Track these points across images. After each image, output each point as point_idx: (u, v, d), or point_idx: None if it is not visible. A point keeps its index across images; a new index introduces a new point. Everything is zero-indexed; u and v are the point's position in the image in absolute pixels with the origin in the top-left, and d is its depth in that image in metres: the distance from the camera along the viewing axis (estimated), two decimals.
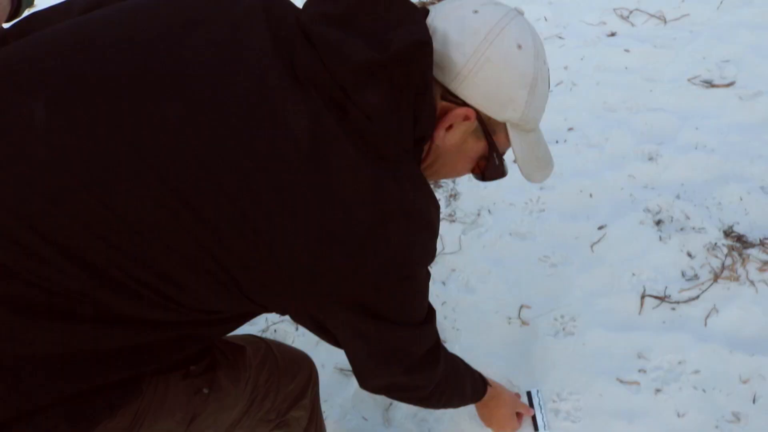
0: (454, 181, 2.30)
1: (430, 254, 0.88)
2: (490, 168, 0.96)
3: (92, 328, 0.76)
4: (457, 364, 1.24)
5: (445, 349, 1.13)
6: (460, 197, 2.24)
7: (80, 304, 0.74)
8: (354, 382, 1.78)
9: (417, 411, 1.69)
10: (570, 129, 2.42)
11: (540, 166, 0.99)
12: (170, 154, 0.71)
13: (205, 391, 0.97)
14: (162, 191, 0.71)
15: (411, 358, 0.98)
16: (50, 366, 0.76)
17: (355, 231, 0.75)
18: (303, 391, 1.19)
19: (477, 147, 0.93)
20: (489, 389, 1.39)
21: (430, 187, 0.86)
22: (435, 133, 0.87)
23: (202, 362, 0.97)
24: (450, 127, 0.87)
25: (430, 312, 1.00)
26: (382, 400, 1.75)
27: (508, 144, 0.93)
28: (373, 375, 1.00)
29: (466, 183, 2.27)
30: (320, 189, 0.73)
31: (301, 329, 1.94)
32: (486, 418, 1.54)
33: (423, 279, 0.91)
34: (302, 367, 1.20)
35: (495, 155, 0.94)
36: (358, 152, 0.75)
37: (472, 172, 1.00)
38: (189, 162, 0.71)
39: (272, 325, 1.94)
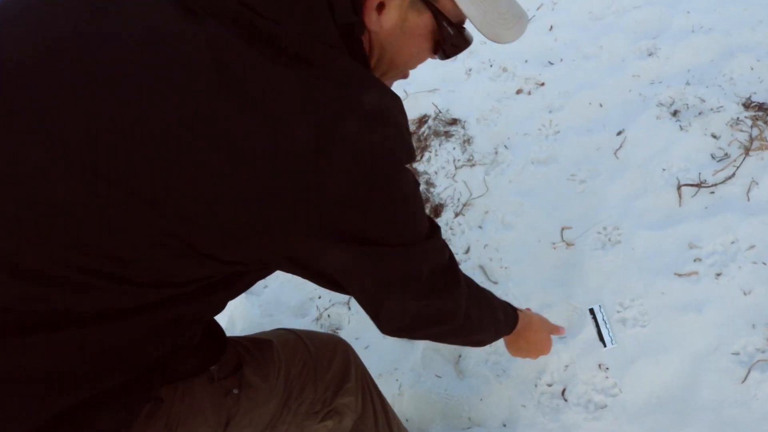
0: (464, 127, 2.28)
1: (398, 153, 0.74)
2: (446, 40, 0.84)
3: (69, 335, 0.70)
4: (481, 290, 1.11)
5: (464, 274, 1.02)
6: (474, 141, 2.22)
7: (49, 314, 0.69)
8: (418, 344, 1.79)
9: (488, 356, 1.69)
10: (562, 47, 2.38)
11: (506, 23, 0.84)
12: (84, 133, 0.64)
13: (235, 391, 0.92)
14: (84, 172, 0.64)
15: (419, 280, 0.85)
16: (40, 382, 0.71)
17: (298, 145, 0.65)
18: (344, 375, 1.12)
19: (422, 21, 0.81)
20: (521, 314, 1.26)
21: (376, 78, 0.76)
22: (366, 19, 0.76)
23: (225, 363, 0.93)
24: (381, 7, 0.77)
25: (432, 226, 0.88)
26: (449, 354, 1.75)
27: (456, 8, 0.80)
28: (387, 312, 0.86)
29: (475, 125, 2.25)
30: (242, 112, 0.64)
31: (355, 308, 1.94)
32: (522, 349, 1.36)
33: (403, 185, 0.77)
34: (337, 350, 1.12)
35: (445, 23, 0.82)
36: (271, 60, 0.66)
37: (434, 53, 0.89)
38: (104, 138, 0.64)
39: (325, 311, 1.95)
